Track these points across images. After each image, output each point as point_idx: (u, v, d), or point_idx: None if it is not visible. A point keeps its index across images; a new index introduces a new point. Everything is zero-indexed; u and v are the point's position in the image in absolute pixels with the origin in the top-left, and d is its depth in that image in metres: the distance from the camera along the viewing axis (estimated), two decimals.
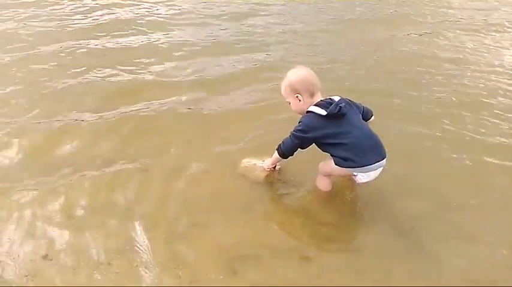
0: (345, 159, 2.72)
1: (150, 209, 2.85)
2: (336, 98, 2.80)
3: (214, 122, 3.89)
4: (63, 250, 2.52)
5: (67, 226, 2.69)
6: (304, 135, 2.75)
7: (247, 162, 3.22)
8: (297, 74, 2.82)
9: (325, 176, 3.01)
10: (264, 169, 3.11)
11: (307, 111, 2.79)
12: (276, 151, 2.92)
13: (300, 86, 2.77)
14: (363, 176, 2.79)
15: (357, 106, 2.89)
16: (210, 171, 3.23)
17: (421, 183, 3.21)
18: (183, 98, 4.25)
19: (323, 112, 2.70)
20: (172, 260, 2.48)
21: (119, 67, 4.83)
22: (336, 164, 2.78)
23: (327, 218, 2.87)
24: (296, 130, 2.78)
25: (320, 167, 3.00)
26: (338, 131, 2.70)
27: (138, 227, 2.68)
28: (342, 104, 2.70)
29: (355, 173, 2.78)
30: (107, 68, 4.80)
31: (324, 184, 3.05)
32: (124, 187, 3.02)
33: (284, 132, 2.87)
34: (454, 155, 3.52)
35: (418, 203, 3.02)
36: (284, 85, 2.83)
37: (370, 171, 2.76)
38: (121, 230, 2.67)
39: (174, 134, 3.66)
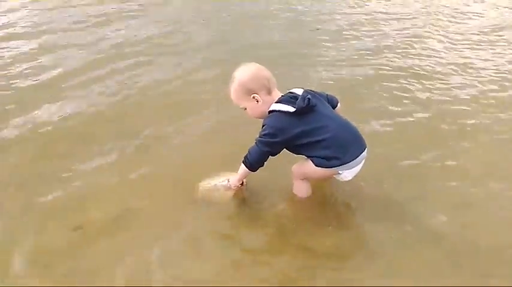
0: (327, 158, 2.31)
1: None
2: (298, 91, 2.41)
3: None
4: None
5: None
6: (273, 139, 2.30)
7: (205, 184, 2.68)
8: (246, 71, 2.38)
9: (302, 180, 2.58)
10: (230, 187, 2.59)
11: (270, 112, 2.36)
12: (243, 164, 2.44)
13: (254, 84, 2.34)
14: (349, 173, 2.41)
15: (321, 95, 2.51)
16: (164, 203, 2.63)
17: None
18: None
19: (290, 109, 2.28)
20: None
21: None
22: (317, 166, 2.35)
23: (320, 240, 2.39)
24: (262, 135, 2.33)
25: (294, 170, 2.56)
26: (312, 127, 2.30)
27: None
28: (309, 96, 2.30)
29: (340, 172, 2.38)
30: None
31: (303, 189, 2.62)
32: None
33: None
34: None
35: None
36: (234, 89, 2.38)
37: (355, 166, 2.39)
38: None
39: None
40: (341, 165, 2.32)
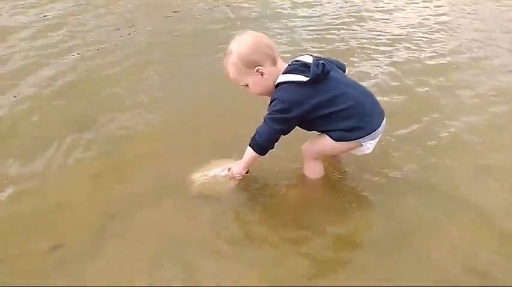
0: (349, 130, 2.00)
1: None
2: (306, 58, 2.07)
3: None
4: None
5: None
6: (287, 115, 1.94)
7: (202, 177, 2.26)
8: (245, 41, 1.99)
9: (314, 159, 2.24)
10: (233, 176, 2.20)
11: (278, 85, 2.00)
12: (250, 147, 2.06)
13: (257, 55, 1.97)
14: (371, 144, 2.10)
15: (331, 61, 2.17)
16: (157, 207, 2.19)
17: None
18: None
19: (303, 78, 1.94)
20: None
21: None
22: (336, 140, 2.02)
23: (348, 225, 2.07)
24: (273, 112, 1.96)
25: (307, 150, 2.23)
26: (331, 95, 1.96)
27: None
28: (322, 61, 1.97)
29: (363, 143, 2.06)
30: None
31: (316, 170, 2.30)
32: None
33: None
34: None
35: None
36: (232, 63, 2.00)
37: (378, 135, 2.10)
38: None
39: None
40: (366, 135, 2.01)
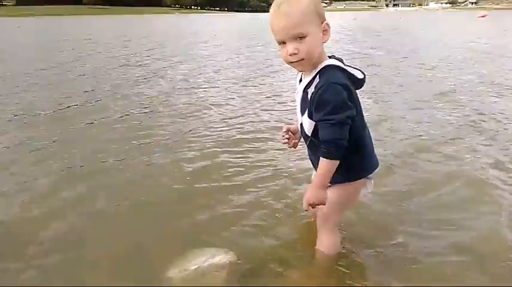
0: (369, 157, 1.74)
1: None
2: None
3: None
4: None
5: None
6: (352, 110, 1.55)
7: (179, 273, 1.80)
8: None
9: (333, 228, 1.84)
10: (318, 204, 1.64)
11: (326, 67, 1.59)
12: (327, 159, 1.55)
13: (322, 11, 1.59)
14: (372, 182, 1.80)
15: None
16: None
17: None
18: None
19: (359, 74, 1.65)
20: None
21: None
22: (355, 179, 1.71)
23: None
24: (337, 108, 1.51)
25: (324, 216, 1.80)
26: (360, 109, 1.67)
27: None
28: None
29: (370, 178, 1.77)
30: None
31: (336, 241, 1.88)
32: None
33: None
34: None
35: None
36: (304, 5, 1.52)
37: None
38: None
39: None
40: (376, 168, 1.76)
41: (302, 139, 1.79)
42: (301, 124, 1.70)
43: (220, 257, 1.83)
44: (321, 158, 1.55)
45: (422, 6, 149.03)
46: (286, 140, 1.82)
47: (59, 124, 4.35)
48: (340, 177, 1.65)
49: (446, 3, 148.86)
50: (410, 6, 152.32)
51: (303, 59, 1.55)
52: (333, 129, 1.51)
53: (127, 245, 2.09)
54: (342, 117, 1.51)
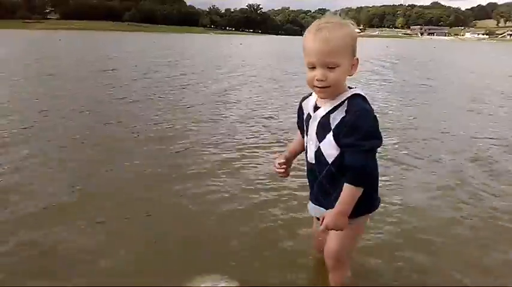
0: (377, 190, 1.73)
1: None
2: None
3: None
4: None
5: None
6: (381, 141, 1.57)
7: None
8: (354, 27, 1.63)
9: (344, 263, 1.78)
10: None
11: (356, 95, 1.60)
12: (352, 185, 1.53)
13: (356, 46, 1.62)
14: None
15: None
16: None
17: None
18: None
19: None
20: None
21: None
22: (368, 211, 1.70)
23: None
24: (370, 135, 1.52)
25: (331, 252, 1.73)
26: None
27: None
28: None
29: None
30: None
31: (347, 278, 1.80)
32: None
33: None
34: None
35: None
36: (345, 36, 1.55)
37: None
38: None
39: None
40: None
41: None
42: (316, 152, 1.65)
43: (224, 284, 1.80)
44: (346, 184, 1.53)
45: (458, 36, 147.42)
46: (283, 170, 1.80)
47: None
48: (362, 208, 1.61)
49: (483, 34, 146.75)
50: (445, 36, 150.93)
51: (328, 87, 1.55)
52: (365, 155, 1.50)
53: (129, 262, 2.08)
54: (373, 145, 1.52)
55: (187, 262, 2.08)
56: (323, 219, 1.56)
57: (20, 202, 2.74)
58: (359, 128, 1.50)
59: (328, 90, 1.57)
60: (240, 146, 4.14)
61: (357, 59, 1.60)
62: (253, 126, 5.08)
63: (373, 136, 1.52)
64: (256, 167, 3.53)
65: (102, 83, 8.78)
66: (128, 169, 3.42)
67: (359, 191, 1.53)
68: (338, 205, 1.56)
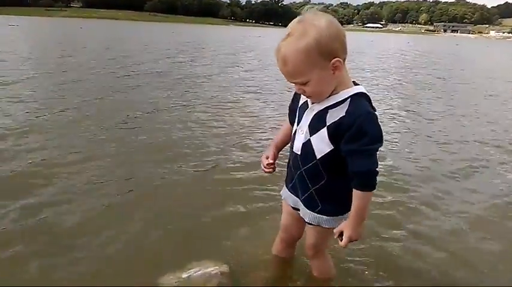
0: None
1: None
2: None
3: None
4: None
5: None
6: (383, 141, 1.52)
7: (172, 280, 1.84)
8: (325, 23, 1.41)
9: (323, 252, 1.85)
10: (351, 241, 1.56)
11: (359, 94, 1.51)
12: (363, 191, 1.49)
13: (338, 44, 1.44)
14: None
15: None
16: None
17: None
18: None
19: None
20: None
21: None
22: (346, 212, 1.61)
23: None
24: (376, 139, 1.46)
25: (317, 248, 1.79)
26: None
27: None
28: None
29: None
30: None
31: (330, 265, 1.91)
32: None
33: None
34: None
35: None
36: (304, 48, 1.40)
37: None
38: None
39: None
40: None
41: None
42: (305, 144, 1.58)
43: (213, 268, 1.87)
44: (356, 192, 1.48)
45: (483, 34, 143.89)
46: (271, 170, 1.74)
47: None
48: (341, 208, 1.61)
49: (509, 32, 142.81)
50: (469, 33, 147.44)
51: (313, 95, 1.53)
52: (372, 159, 1.47)
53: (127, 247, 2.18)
54: (378, 147, 1.47)
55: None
56: (340, 234, 1.54)
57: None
58: (366, 134, 1.43)
59: (314, 97, 1.53)
60: None
61: (338, 60, 1.43)
62: None
63: (379, 140, 1.47)
64: None
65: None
66: None
67: (371, 194, 1.50)
68: (355, 215, 1.51)
